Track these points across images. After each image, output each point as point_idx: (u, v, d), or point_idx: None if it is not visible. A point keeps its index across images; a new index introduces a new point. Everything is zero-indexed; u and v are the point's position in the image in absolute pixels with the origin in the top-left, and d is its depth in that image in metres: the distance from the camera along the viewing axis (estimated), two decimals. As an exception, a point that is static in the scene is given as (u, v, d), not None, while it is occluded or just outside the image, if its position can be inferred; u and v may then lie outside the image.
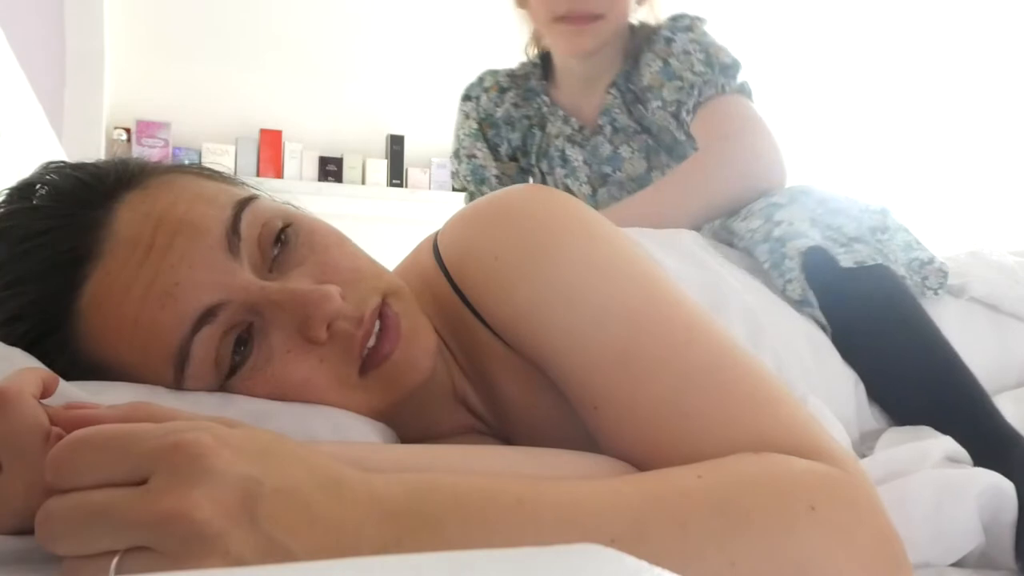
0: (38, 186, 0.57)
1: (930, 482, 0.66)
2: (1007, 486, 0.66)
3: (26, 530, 0.39)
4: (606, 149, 1.32)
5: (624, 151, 1.32)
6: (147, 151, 3.11)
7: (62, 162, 0.59)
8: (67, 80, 2.70)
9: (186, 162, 2.79)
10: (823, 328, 0.86)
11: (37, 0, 2.27)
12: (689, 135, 1.23)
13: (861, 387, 0.87)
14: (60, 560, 0.36)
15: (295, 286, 0.54)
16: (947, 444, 0.71)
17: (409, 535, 0.38)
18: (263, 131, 3.38)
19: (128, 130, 3.18)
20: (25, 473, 0.39)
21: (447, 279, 0.61)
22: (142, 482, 0.35)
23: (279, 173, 3.37)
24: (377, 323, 0.57)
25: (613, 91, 1.30)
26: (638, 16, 1.33)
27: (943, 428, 0.75)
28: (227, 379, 0.54)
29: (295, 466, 0.38)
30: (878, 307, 0.84)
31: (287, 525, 0.36)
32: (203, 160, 3.12)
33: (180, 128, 3.26)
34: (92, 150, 2.64)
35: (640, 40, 1.29)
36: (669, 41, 1.22)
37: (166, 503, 0.34)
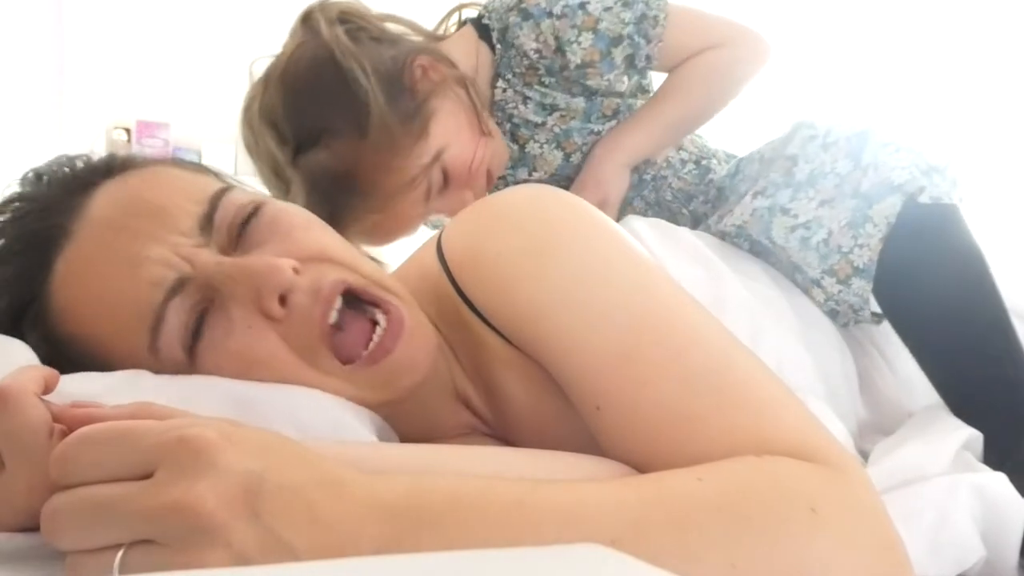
0: (44, 176, 0.62)
1: (929, 495, 0.65)
2: (1005, 495, 0.66)
3: (29, 527, 0.39)
4: (512, 150, 1.15)
5: (532, 148, 1.15)
6: (147, 151, 3.11)
7: (71, 155, 0.63)
8: (67, 80, 2.70)
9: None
10: (855, 311, 0.86)
11: (37, 0, 2.27)
12: (637, 81, 1.14)
13: (855, 385, 0.87)
14: (64, 556, 0.37)
15: (247, 260, 0.55)
16: (958, 439, 0.71)
17: (409, 535, 0.38)
18: (263, 131, 3.38)
19: (128, 130, 3.17)
20: (28, 470, 0.39)
21: (449, 279, 0.61)
22: (146, 477, 0.36)
23: (279, 173, 3.37)
24: (383, 319, 0.57)
25: (500, 83, 1.12)
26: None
27: (985, 416, 0.76)
28: (190, 352, 0.54)
29: (297, 464, 0.38)
30: (941, 260, 0.82)
31: (289, 521, 0.36)
32: (203, 160, 3.12)
33: (180, 128, 3.25)
34: (92, 150, 2.64)
35: (493, 25, 1.12)
36: (583, 6, 1.05)
37: (170, 495, 0.34)
